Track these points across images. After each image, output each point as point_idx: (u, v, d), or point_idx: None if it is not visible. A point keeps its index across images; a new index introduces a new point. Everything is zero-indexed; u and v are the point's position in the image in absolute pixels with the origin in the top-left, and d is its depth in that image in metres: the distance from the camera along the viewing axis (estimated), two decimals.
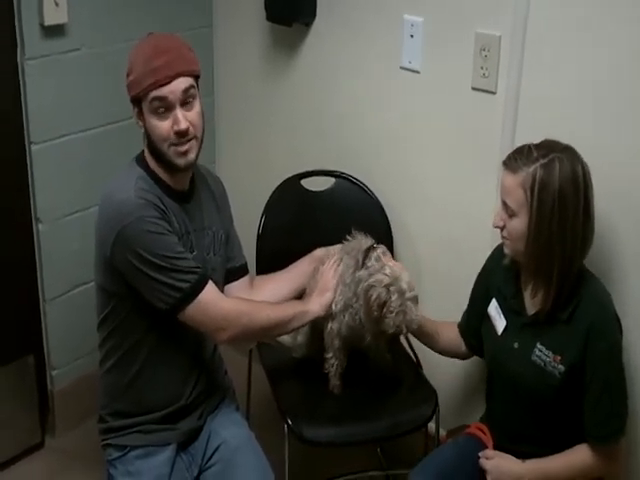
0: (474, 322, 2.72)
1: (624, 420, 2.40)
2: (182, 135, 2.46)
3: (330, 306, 2.75)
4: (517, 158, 2.34)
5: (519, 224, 2.35)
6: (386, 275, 2.57)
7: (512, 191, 2.34)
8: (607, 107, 2.53)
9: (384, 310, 2.54)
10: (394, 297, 2.54)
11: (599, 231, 2.41)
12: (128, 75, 2.49)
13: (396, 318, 2.54)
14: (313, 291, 2.80)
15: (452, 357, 2.88)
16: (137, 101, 2.49)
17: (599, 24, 2.49)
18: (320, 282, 2.79)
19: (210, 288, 2.51)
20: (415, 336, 2.79)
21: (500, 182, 2.41)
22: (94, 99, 3.32)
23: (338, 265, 2.79)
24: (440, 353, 2.87)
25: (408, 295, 2.55)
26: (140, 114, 2.50)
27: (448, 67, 2.92)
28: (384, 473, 3.35)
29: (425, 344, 2.83)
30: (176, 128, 2.45)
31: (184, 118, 2.45)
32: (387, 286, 2.55)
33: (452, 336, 2.81)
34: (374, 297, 2.55)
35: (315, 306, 2.74)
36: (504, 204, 2.39)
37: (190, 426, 2.69)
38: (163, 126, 2.45)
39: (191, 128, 2.47)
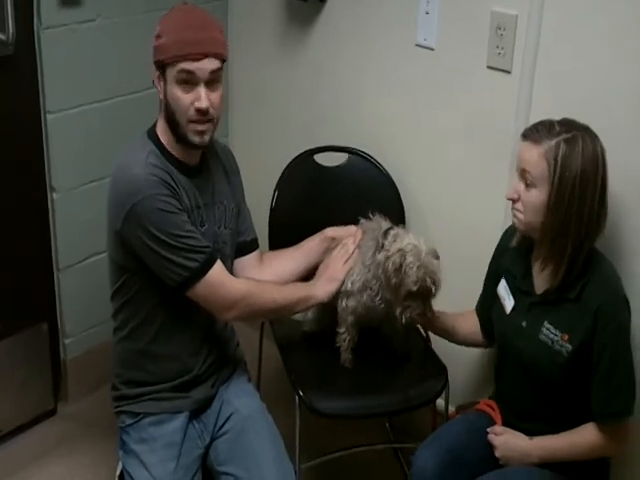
0: (487, 306, 2.73)
1: (631, 399, 2.41)
2: (202, 114, 2.47)
3: (336, 293, 2.77)
4: (539, 129, 2.34)
5: (537, 196, 2.34)
6: (399, 243, 2.58)
7: (534, 162, 2.33)
8: (624, 87, 2.52)
9: (402, 270, 2.53)
10: (409, 256, 2.53)
11: (612, 212, 2.42)
12: (158, 37, 2.48)
13: (418, 272, 2.51)
14: (322, 274, 2.82)
15: (473, 347, 2.89)
16: (162, 66, 2.47)
17: (617, 2, 2.48)
18: (329, 268, 2.80)
19: (218, 268, 2.54)
20: (432, 331, 2.81)
21: (518, 153, 2.40)
22: (110, 70, 3.32)
23: (352, 250, 2.80)
24: (460, 344, 2.87)
25: (425, 251, 2.55)
26: (161, 79, 2.50)
27: (464, 45, 2.91)
28: (392, 446, 3.38)
29: (443, 337, 2.84)
30: (197, 105, 2.45)
31: (206, 97, 2.46)
32: (400, 250, 2.55)
33: (470, 325, 2.82)
34: (390, 266, 2.55)
35: (320, 292, 2.76)
36: (522, 174, 2.37)
37: (202, 395, 2.72)
38: (185, 98, 2.45)
39: (211, 109, 2.48)
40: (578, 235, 2.33)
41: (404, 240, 2.59)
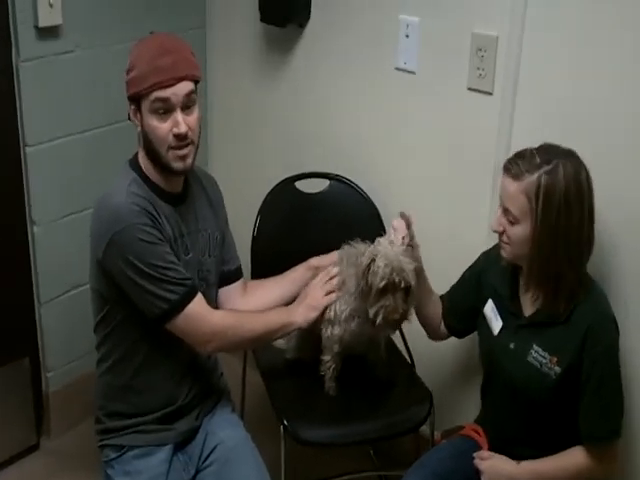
0: (457, 303, 2.74)
1: (619, 422, 2.39)
2: (181, 139, 2.45)
3: (314, 321, 2.75)
4: (519, 163, 2.31)
5: (521, 230, 2.33)
6: (370, 249, 2.57)
7: (515, 198, 2.31)
8: (605, 108, 2.52)
9: (371, 269, 2.52)
10: (378, 258, 2.51)
11: (598, 235, 2.40)
12: (129, 72, 2.47)
13: (385, 270, 2.49)
14: (302, 300, 2.79)
15: (431, 333, 2.84)
16: (136, 99, 2.46)
17: (597, 24, 2.49)
18: (309, 296, 2.77)
19: (198, 301, 2.52)
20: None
21: (501, 187, 2.38)
22: (89, 101, 3.32)
23: (331, 278, 2.77)
24: (423, 324, 2.81)
25: (395, 250, 2.53)
26: (137, 113, 2.48)
27: (444, 68, 2.91)
28: (377, 474, 3.35)
29: (419, 306, 2.75)
30: (175, 131, 2.44)
31: (184, 122, 2.44)
32: (372, 254, 2.54)
33: (438, 306, 2.79)
34: (361, 268, 2.55)
35: (300, 319, 2.73)
36: (505, 210, 2.36)
37: (187, 426, 2.69)
38: (162, 128, 2.44)
39: (190, 132, 2.46)
40: (570, 259, 2.32)
41: (378, 246, 2.57)
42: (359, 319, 2.69)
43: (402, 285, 2.51)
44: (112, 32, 3.33)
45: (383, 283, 2.50)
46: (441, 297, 2.81)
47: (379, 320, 2.55)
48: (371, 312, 2.57)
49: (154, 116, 2.44)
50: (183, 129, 2.44)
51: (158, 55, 2.43)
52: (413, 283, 2.53)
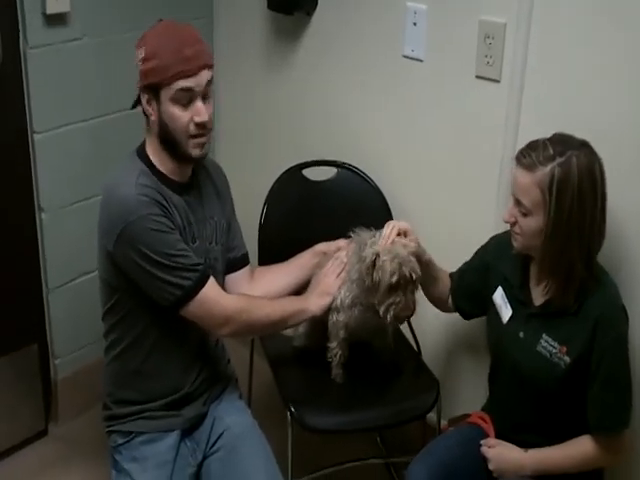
0: (465, 284, 2.73)
1: (628, 412, 2.38)
2: (202, 127, 2.47)
3: (327, 308, 2.75)
4: (532, 154, 2.28)
5: (534, 222, 2.31)
6: (372, 244, 2.56)
7: (528, 190, 2.29)
8: (614, 97, 2.50)
9: (376, 268, 2.51)
10: (382, 254, 2.51)
11: (607, 222, 2.39)
12: (145, 61, 2.43)
13: (392, 264, 2.48)
14: (315, 288, 2.80)
15: (439, 307, 2.84)
16: (154, 88, 2.44)
17: (606, 11, 2.47)
18: (322, 283, 2.79)
19: (211, 285, 2.52)
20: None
21: (512, 178, 2.36)
22: (96, 88, 3.32)
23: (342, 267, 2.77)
24: (432, 301, 2.82)
25: (400, 248, 2.52)
26: (152, 102, 2.47)
27: (452, 55, 2.90)
28: (384, 461, 3.36)
29: (427, 286, 2.75)
30: (198, 120, 2.45)
31: (206, 110, 2.46)
32: (374, 251, 2.53)
33: (446, 284, 2.79)
34: (364, 268, 2.54)
35: (313, 306, 2.74)
36: (517, 201, 2.34)
37: (194, 412, 2.70)
38: (184, 116, 2.44)
39: (209, 120, 2.48)
40: (581, 250, 2.30)
41: (379, 242, 2.56)
42: (361, 307, 2.70)
43: (413, 278, 2.51)
44: (120, 20, 3.33)
45: (395, 278, 2.49)
46: (451, 275, 2.79)
47: (390, 317, 2.55)
48: (381, 310, 2.56)
49: (176, 105, 2.44)
50: (205, 117, 2.46)
51: (183, 44, 2.42)
52: (420, 272, 2.52)
